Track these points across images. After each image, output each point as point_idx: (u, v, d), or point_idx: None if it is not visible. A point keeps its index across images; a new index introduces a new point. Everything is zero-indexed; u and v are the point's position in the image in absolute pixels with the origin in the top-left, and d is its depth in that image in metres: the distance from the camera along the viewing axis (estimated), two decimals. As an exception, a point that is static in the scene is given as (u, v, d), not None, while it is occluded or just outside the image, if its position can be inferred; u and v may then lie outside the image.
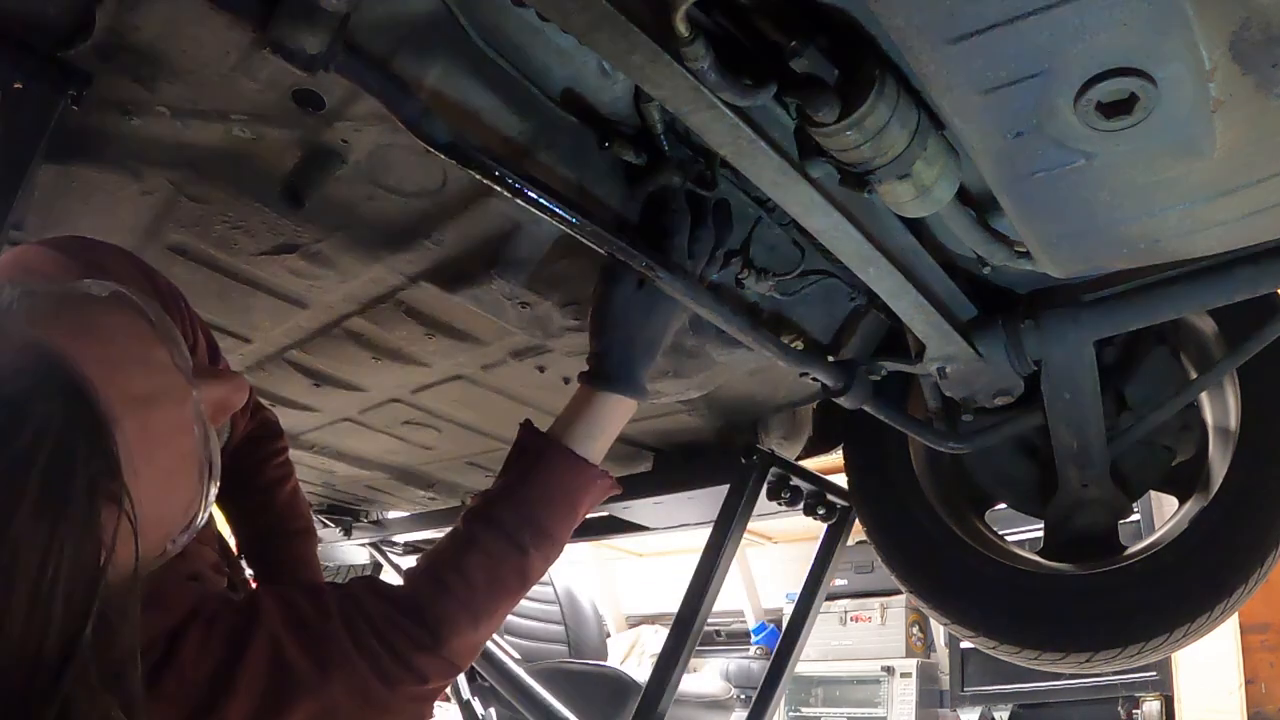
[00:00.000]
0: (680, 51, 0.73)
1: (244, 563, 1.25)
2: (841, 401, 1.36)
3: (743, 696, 4.23)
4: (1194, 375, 1.45)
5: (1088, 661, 1.42)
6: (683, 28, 0.71)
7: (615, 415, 1.06)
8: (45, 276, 0.83)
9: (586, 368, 1.09)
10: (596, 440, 1.05)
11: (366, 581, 0.97)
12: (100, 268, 0.88)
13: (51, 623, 0.56)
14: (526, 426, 1.09)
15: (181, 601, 0.83)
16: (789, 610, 2.10)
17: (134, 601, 0.63)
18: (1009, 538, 1.72)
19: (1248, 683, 3.11)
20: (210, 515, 1.07)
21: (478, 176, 0.91)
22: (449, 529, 1.02)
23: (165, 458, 0.68)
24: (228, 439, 1.14)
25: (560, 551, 1.03)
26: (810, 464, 2.00)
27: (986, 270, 1.20)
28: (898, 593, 4.07)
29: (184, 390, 0.71)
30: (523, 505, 1.00)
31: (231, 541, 1.22)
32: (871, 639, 4.61)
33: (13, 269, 0.86)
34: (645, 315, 1.06)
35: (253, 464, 1.26)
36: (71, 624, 0.56)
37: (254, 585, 1.19)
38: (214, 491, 0.74)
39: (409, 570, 1.00)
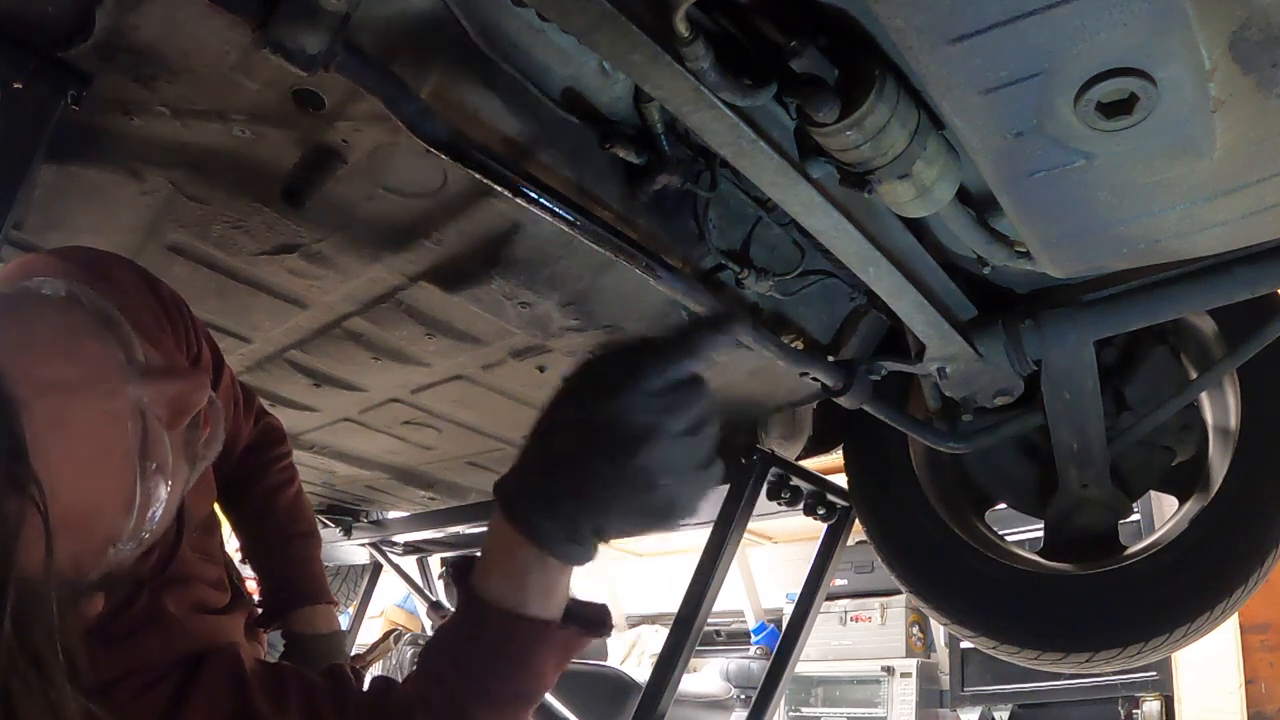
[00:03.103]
0: (680, 52, 0.73)
1: (248, 567, 1.25)
2: (841, 401, 1.36)
3: (743, 696, 4.23)
4: (1194, 375, 1.45)
5: (1088, 661, 1.42)
6: (683, 28, 0.71)
7: (531, 567, 0.73)
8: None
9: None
10: (528, 593, 0.74)
11: (377, 695, 0.86)
12: (103, 276, 0.88)
13: None
14: (459, 569, 0.81)
15: (188, 635, 0.82)
16: (789, 610, 2.10)
17: (49, 593, 0.59)
18: (1009, 538, 1.72)
19: (1248, 683, 3.11)
20: (217, 526, 1.07)
21: (478, 176, 0.91)
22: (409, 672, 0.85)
23: (86, 447, 0.65)
24: (225, 447, 1.13)
25: (529, 704, 0.81)
26: (810, 464, 1.99)
27: (986, 270, 1.20)
28: (898, 593, 4.08)
29: (113, 382, 0.68)
30: (465, 672, 0.78)
31: (231, 546, 1.22)
32: (871, 639, 4.61)
33: (13, 276, 0.87)
34: (592, 437, 0.69)
35: (256, 470, 1.26)
36: None
37: (255, 597, 1.19)
38: (164, 492, 0.72)
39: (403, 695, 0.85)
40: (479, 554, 0.78)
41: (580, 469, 0.69)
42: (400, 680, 0.86)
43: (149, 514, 0.71)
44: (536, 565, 0.73)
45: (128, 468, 0.68)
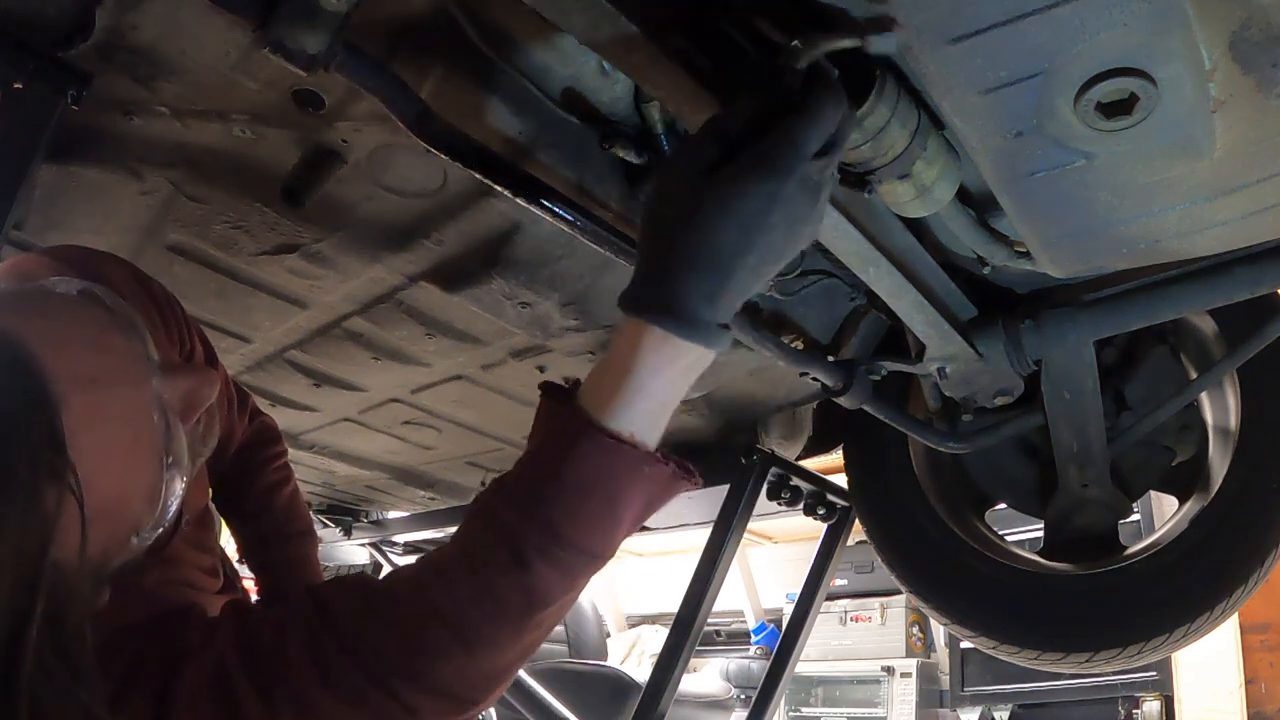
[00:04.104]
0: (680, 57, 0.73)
1: (245, 567, 1.25)
2: (841, 401, 1.35)
3: (743, 696, 4.23)
4: (1194, 375, 1.45)
5: (1088, 661, 1.42)
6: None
7: (660, 360, 0.69)
8: (35, 280, 0.83)
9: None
10: (636, 403, 0.70)
11: (351, 584, 0.82)
12: (96, 274, 0.89)
13: None
14: (550, 392, 0.76)
15: (150, 600, 0.82)
16: (789, 610, 2.10)
17: (84, 584, 0.62)
18: (1009, 538, 1.72)
19: (1248, 683, 3.11)
20: (212, 521, 1.08)
21: (478, 176, 0.91)
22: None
23: (117, 439, 0.67)
24: (219, 445, 1.14)
25: (600, 563, 0.74)
26: (810, 464, 1.99)
27: (986, 270, 1.19)
28: (898, 593, 4.08)
29: (140, 376, 0.70)
30: (530, 503, 0.71)
31: (231, 548, 1.22)
32: (871, 639, 4.61)
33: (8, 275, 0.88)
34: (715, 212, 0.66)
35: (252, 468, 1.26)
36: (18, 598, 0.55)
37: (252, 589, 1.20)
38: (180, 485, 0.73)
39: (402, 568, 0.81)
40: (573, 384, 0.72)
41: (683, 230, 0.67)
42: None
43: (167, 506, 0.73)
44: (661, 353, 0.69)
45: (154, 460, 0.70)
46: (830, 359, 1.36)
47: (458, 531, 0.77)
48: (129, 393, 0.69)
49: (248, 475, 1.25)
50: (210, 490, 1.16)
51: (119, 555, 0.70)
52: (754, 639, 5.18)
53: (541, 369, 1.58)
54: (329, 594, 0.79)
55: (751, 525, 1.88)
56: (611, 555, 0.75)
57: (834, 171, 0.70)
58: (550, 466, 0.71)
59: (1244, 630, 3.13)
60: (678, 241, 0.67)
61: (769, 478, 1.83)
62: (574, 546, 0.72)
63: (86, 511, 0.60)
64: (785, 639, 2.02)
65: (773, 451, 1.84)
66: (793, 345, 1.28)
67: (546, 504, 0.71)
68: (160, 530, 0.73)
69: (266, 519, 1.26)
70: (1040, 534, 1.56)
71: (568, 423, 0.71)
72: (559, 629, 3.78)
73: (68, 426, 0.61)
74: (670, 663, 1.75)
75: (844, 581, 4.64)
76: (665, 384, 0.71)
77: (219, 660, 0.74)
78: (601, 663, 4.26)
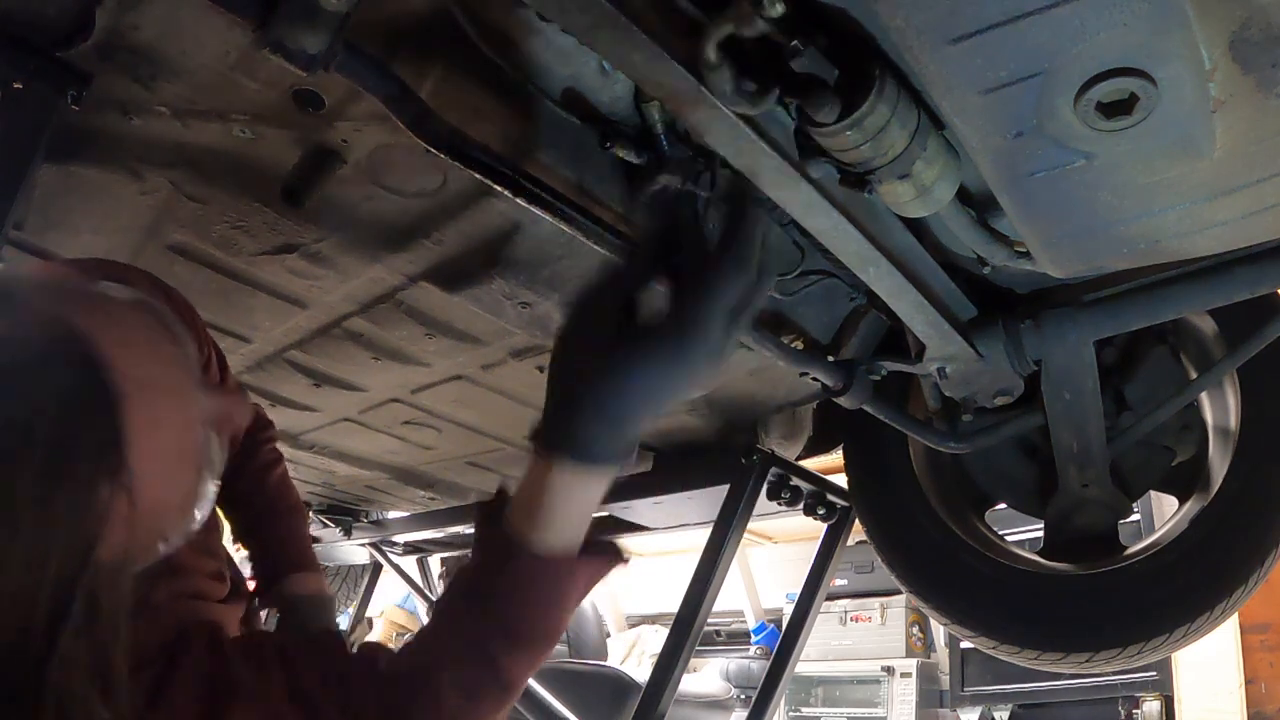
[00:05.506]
0: (706, 76, 0.74)
1: (238, 546, 1.29)
2: (841, 401, 1.36)
3: (743, 696, 4.23)
4: (1194, 375, 1.45)
5: (1088, 661, 1.42)
6: (713, 55, 0.72)
7: (571, 489, 0.77)
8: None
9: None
10: (555, 525, 0.78)
11: (362, 662, 0.87)
12: (121, 282, 0.90)
13: (45, 581, 0.57)
14: (483, 513, 0.84)
15: (169, 622, 0.83)
16: (789, 610, 2.10)
17: (124, 583, 0.63)
18: (1009, 538, 1.72)
19: (1248, 683, 3.11)
20: (218, 524, 1.09)
21: (478, 176, 0.91)
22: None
23: (167, 446, 0.69)
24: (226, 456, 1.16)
25: (553, 642, 0.84)
26: (810, 464, 1.99)
27: (986, 270, 1.19)
28: (898, 593, 4.08)
29: (189, 387, 0.73)
30: (487, 613, 0.81)
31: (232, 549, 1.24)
32: (871, 639, 4.61)
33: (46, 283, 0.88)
34: (624, 375, 0.73)
35: (246, 451, 1.31)
36: (63, 587, 0.58)
37: (253, 587, 1.21)
38: (210, 496, 0.76)
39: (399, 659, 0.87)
40: (501, 498, 0.82)
41: (592, 382, 0.74)
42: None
43: (195, 516, 0.75)
44: (570, 484, 0.77)
45: (194, 468, 0.73)
46: (830, 359, 1.36)
47: (428, 634, 0.86)
48: (180, 402, 0.71)
49: (242, 457, 1.30)
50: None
51: (146, 560, 0.72)
52: (754, 639, 5.18)
53: (541, 369, 1.58)
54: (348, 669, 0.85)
55: (751, 525, 1.87)
56: (560, 635, 0.86)
57: (749, 319, 0.76)
58: (494, 583, 0.81)
59: (1244, 630, 3.13)
60: (585, 397, 0.75)
61: (769, 478, 1.83)
62: (527, 639, 0.82)
63: (135, 513, 0.62)
64: (785, 639, 2.02)
65: (773, 451, 1.84)
66: (793, 345, 1.28)
67: (499, 614, 0.81)
68: (190, 534, 0.76)
69: (260, 497, 1.30)
70: (1040, 534, 1.56)
71: (504, 548, 0.80)
72: (559, 629, 3.78)
73: (126, 426, 0.63)
74: (670, 663, 1.75)
75: (844, 581, 4.64)
76: (578, 504, 0.79)
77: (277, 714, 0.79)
78: (601, 663, 4.26)
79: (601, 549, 0.84)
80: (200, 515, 0.76)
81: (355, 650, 0.88)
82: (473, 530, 0.86)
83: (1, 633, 0.56)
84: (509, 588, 0.80)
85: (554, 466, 0.76)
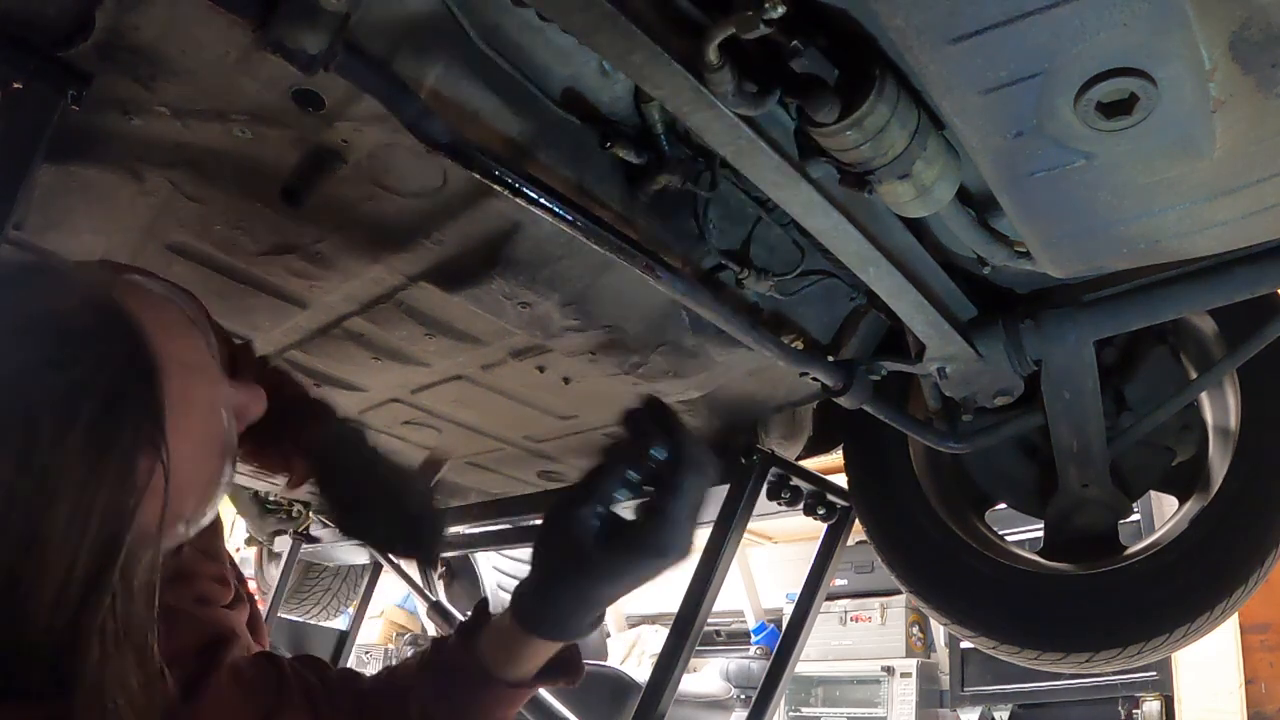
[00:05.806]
0: (707, 77, 0.74)
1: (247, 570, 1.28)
2: (841, 401, 1.35)
3: (743, 696, 4.23)
4: (1194, 375, 1.45)
5: (1088, 661, 1.42)
6: (714, 57, 0.73)
7: (543, 652, 0.91)
8: None
9: (518, 596, 0.92)
10: (524, 667, 0.92)
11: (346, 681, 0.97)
12: None
13: (85, 544, 0.59)
14: (462, 631, 0.96)
15: (194, 627, 0.86)
16: (789, 610, 2.09)
17: (155, 557, 0.65)
18: (1009, 538, 1.72)
19: (1248, 683, 3.11)
20: (220, 526, 1.09)
21: (478, 176, 0.91)
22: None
23: (198, 427, 0.71)
24: None
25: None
26: (810, 464, 1.99)
27: (986, 270, 1.20)
28: (898, 593, 4.07)
29: (217, 375, 0.76)
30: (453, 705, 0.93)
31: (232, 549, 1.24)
32: (871, 639, 4.61)
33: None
34: (604, 579, 0.85)
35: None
36: (102, 551, 0.59)
37: (253, 591, 1.21)
38: (228, 482, 0.78)
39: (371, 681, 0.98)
40: (481, 620, 0.94)
41: (574, 581, 0.85)
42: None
43: (215, 500, 0.78)
44: (541, 649, 0.90)
45: (219, 454, 0.75)
46: (830, 359, 1.36)
47: (397, 676, 0.97)
48: (211, 387, 0.74)
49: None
50: None
51: (170, 542, 0.73)
52: (754, 639, 5.18)
53: (541, 369, 1.58)
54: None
55: (751, 525, 1.87)
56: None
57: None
58: (462, 696, 0.93)
59: (1244, 630, 3.13)
60: (567, 592, 0.86)
61: (769, 478, 1.82)
62: None
63: (170, 488, 0.64)
64: (785, 639, 2.02)
65: (773, 451, 1.84)
66: (793, 345, 1.28)
67: (462, 709, 0.92)
68: (204, 524, 0.78)
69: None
70: (1040, 534, 1.56)
71: (479, 676, 0.92)
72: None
73: (167, 402, 0.65)
74: (670, 663, 1.74)
75: (844, 581, 4.64)
76: (545, 655, 0.92)
77: None
78: (601, 663, 4.26)
79: (563, 670, 0.94)
80: (216, 503, 0.78)
81: (337, 671, 0.97)
82: (443, 649, 0.96)
83: (41, 591, 0.58)
84: (473, 701, 0.92)
85: (531, 638, 0.88)
